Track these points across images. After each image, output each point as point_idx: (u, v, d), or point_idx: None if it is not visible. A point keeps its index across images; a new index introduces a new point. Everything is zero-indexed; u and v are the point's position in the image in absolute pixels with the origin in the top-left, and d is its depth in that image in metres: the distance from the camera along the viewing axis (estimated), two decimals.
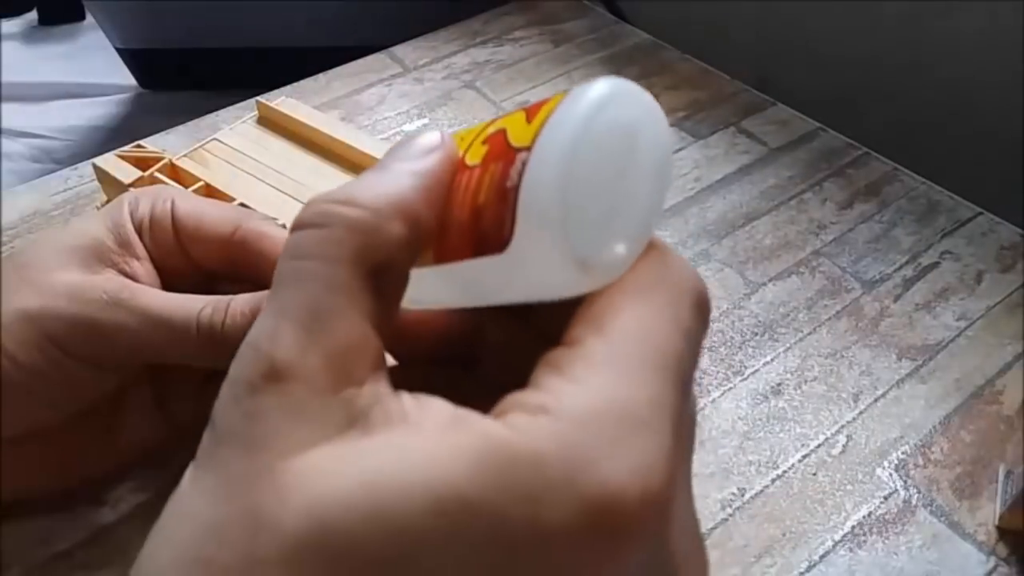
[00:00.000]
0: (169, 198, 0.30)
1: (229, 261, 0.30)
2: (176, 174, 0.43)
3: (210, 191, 0.42)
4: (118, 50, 1.10)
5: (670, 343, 0.15)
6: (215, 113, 0.52)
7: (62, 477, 0.30)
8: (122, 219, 0.29)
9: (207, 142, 0.47)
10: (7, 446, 0.27)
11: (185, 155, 0.45)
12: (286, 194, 0.44)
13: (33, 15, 1.33)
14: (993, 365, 0.38)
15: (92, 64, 1.20)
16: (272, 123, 0.49)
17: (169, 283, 0.28)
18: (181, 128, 0.51)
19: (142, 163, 0.43)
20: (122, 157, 0.43)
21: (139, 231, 0.29)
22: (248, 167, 0.46)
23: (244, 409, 0.15)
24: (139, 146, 0.44)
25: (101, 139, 1.09)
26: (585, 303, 0.16)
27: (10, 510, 0.31)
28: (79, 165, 0.48)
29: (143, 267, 0.29)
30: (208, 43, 1.04)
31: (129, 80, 1.16)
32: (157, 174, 0.42)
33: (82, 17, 1.30)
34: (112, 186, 0.43)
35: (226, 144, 0.47)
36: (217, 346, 0.26)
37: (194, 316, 0.26)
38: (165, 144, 0.49)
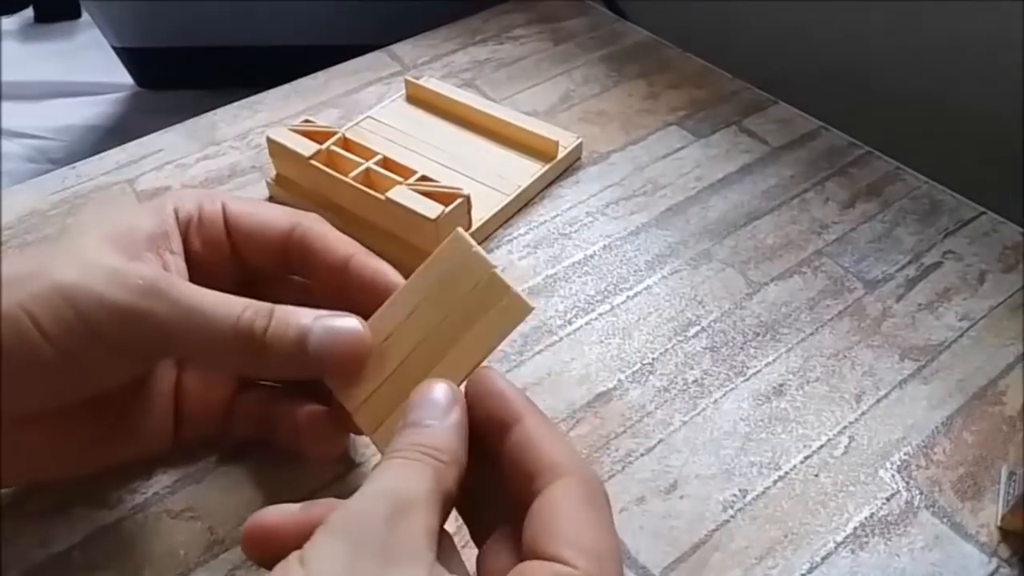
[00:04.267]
0: (218, 199, 0.31)
1: (282, 259, 0.30)
2: (350, 148, 0.44)
3: (388, 163, 0.43)
4: (115, 48, 1.10)
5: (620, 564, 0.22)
6: (213, 112, 0.52)
7: (56, 466, 0.29)
8: (165, 212, 0.29)
9: (362, 119, 0.49)
10: (13, 426, 0.26)
11: (346, 131, 0.45)
12: (444, 166, 0.46)
13: (29, 12, 1.32)
14: (996, 366, 0.37)
15: (88, 63, 1.19)
16: (420, 100, 0.51)
17: (203, 283, 0.28)
18: (179, 127, 0.50)
19: (315, 137, 0.43)
20: (295, 131, 0.43)
21: (185, 228, 0.30)
22: (403, 141, 0.48)
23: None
24: (308, 121, 0.44)
25: (97, 139, 1.09)
26: (549, 516, 0.22)
27: (10, 510, 0.31)
28: (77, 164, 0.47)
29: (175, 262, 0.29)
30: (206, 42, 1.04)
31: (126, 79, 1.15)
32: (334, 148, 0.43)
33: (78, 15, 1.29)
34: (286, 159, 0.43)
35: (380, 121, 0.49)
36: (253, 352, 0.26)
37: (234, 315, 0.26)
38: (164, 144, 0.49)
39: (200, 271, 0.29)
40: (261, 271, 0.31)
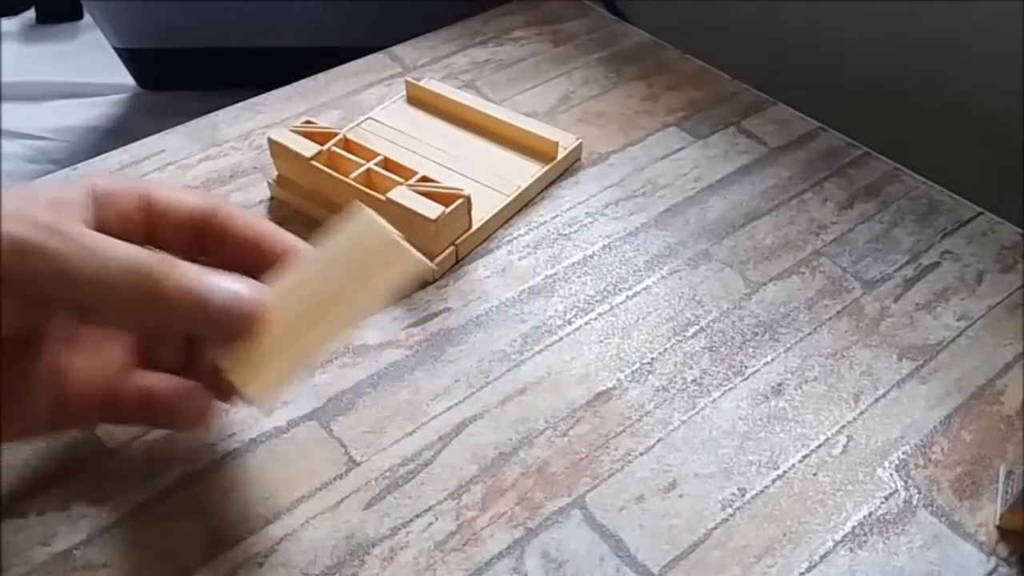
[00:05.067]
0: (141, 182, 0.30)
1: (197, 238, 0.30)
2: (351, 149, 0.44)
3: (389, 164, 0.43)
4: (116, 50, 1.10)
5: None
6: (215, 113, 0.52)
7: None
8: (79, 185, 0.29)
9: (363, 120, 0.49)
10: None
11: (347, 132, 0.45)
12: (444, 166, 0.46)
13: (31, 14, 1.32)
14: (994, 365, 0.38)
15: (90, 64, 1.19)
16: (420, 101, 0.51)
17: None
18: (180, 128, 0.51)
19: (316, 138, 0.43)
20: (296, 132, 0.43)
21: (101, 198, 0.29)
22: (404, 142, 0.48)
23: None
24: (309, 122, 0.44)
25: (98, 139, 1.09)
26: None
27: (10, 510, 0.31)
28: (79, 165, 0.48)
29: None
30: (207, 43, 1.04)
31: (127, 80, 1.15)
32: (335, 148, 0.43)
33: (80, 16, 1.30)
34: (287, 160, 0.44)
35: (380, 122, 0.49)
36: (149, 300, 0.26)
37: (133, 259, 0.25)
38: (166, 144, 0.49)
39: None
40: (175, 251, 0.30)
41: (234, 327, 0.27)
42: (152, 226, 0.30)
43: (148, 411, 0.30)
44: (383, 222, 0.28)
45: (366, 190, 0.41)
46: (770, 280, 0.42)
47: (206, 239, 0.30)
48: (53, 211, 0.27)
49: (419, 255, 0.27)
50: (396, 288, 0.28)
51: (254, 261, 0.30)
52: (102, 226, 0.28)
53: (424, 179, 0.41)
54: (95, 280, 0.25)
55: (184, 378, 0.30)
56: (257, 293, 0.28)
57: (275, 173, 0.45)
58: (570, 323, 0.39)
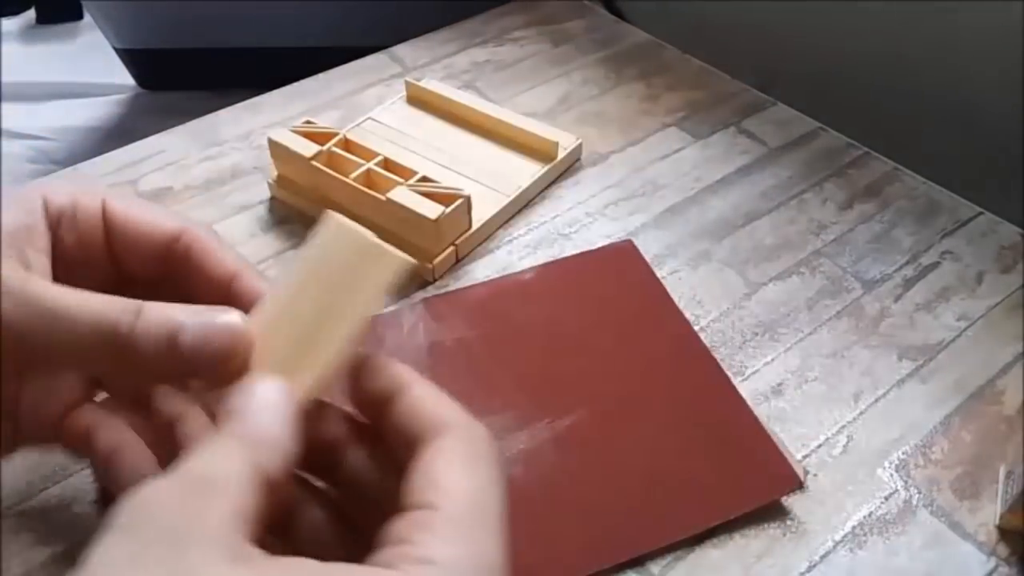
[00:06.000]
0: (98, 194, 0.28)
1: (163, 266, 0.28)
2: (351, 149, 0.44)
3: (389, 164, 0.43)
4: (116, 50, 1.10)
5: (500, 507, 0.21)
6: (215, 113, 0.52)
7: None
8: (32, 204, 0.27)
9: (363, 120, 0.49)
10: None
11: (347, 132, 0.46)
12: (444, 166, 0.46)
13: (31, 14, 1.32)
14: (993, 365, 0.38)
15: (90, 64, 1.19)
16: (420, 101, 0.51)
17: (72, 283, 0.25)
18: (181, 128, 0.51)
19: (316, 138, 0.43)
20: (296, 132, 0.43)
21: (56, 222, 0.27)
22: (404, 142, 0.48)
23: None
24: (309, 122, 0.44)
25: (99, 139, 1.09)
26: (424, 468, 0.21)
27: (10, 510, 0.31)
28: (80, 165, 0.48)
29: (37, 259, 0.26)
30: (207, 43, 1.04)
31: (127, 80, 1.15)
32: (335, 148, 0.43)
33: (80, 16, 1.30)
34: (288, 160, 0.44)
35: (380, 122, 0.49)
36: (118, 351, 0.24)
37: (95, 312, 0.24)
38: (165, 145, 0.49)
39: (70, 270, 0.27)
40: (140, 276, 0.29)
41: (213, 365, 0.25)
42: (115, 249, 0.28)
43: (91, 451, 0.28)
44: (356, 227, 0.26)
45: (366, 190, 0.41)
46: (770, 280, 0.42)
47: (172, 267, 0.28)
48: (10, 246, 0.25)
49: (400, 253, 0.26)
50: (385, 291, 0.26)
51: (224, 301, 0.27)
52: (62, 255, 0.27)
53: (424, 179, 0.41)
54: (57, 339, 0.24)
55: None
56: (234, 323, 0.25)
57: (275, 173, 0.45)
58: None
